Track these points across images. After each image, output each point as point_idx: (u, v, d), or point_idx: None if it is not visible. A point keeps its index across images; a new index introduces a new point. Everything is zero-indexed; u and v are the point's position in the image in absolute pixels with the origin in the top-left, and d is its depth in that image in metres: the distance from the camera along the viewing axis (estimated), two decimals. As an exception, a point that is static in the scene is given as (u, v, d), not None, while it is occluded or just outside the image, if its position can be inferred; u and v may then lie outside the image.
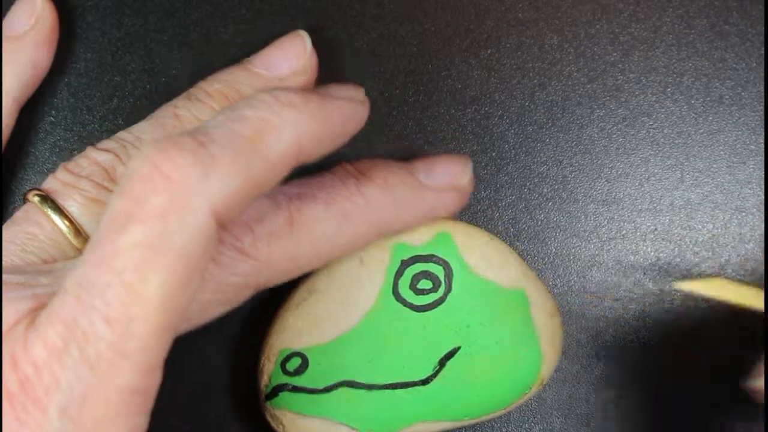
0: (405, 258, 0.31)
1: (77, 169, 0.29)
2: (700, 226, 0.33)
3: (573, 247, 0.33)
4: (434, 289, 0.31)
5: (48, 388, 0.22)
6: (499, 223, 0.33)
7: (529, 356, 0.31)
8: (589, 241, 0.33)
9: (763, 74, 0.33)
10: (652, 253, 0.33)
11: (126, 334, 0.21)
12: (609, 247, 0.33)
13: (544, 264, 0.33)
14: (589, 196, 0.33)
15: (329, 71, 0.33)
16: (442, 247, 0.31)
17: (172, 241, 0.21)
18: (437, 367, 0.31)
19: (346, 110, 0.26)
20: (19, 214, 0.29)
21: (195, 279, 0.22)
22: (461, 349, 0.31)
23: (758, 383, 0.27)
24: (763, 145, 0.33)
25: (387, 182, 0.29)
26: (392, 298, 0.31)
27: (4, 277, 0.24)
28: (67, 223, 0.28)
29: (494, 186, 0.33)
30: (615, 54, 0.33)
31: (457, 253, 0.31)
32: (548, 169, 0.33)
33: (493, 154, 0.33)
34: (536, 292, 0.31)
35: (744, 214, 0.33)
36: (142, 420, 0.22)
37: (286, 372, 0.31)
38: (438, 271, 0.31)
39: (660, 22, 0.33)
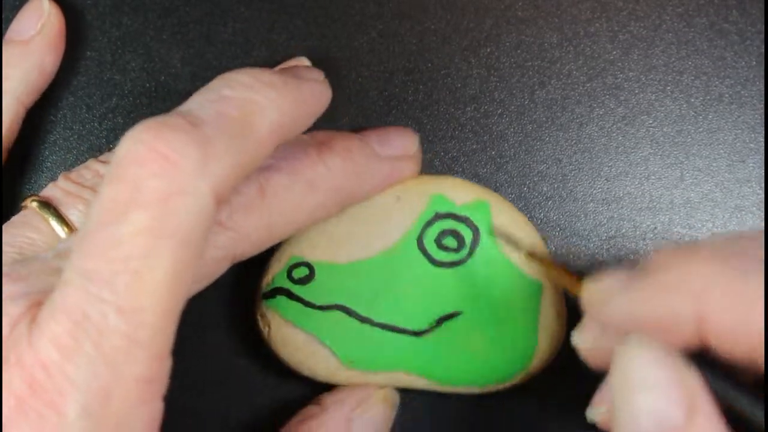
0: (440, 211, 0.31)
1: (80, 179, 0.29)
2: (699, 225, 0.33)
3: (573, 246, 0.33)
4: (457, 250, 0.31)
5: (62, 389, 0.21)
6: (499, 221, 0.33)
7: (524, 345, 0.31)
8: (588, 239, 0.33)
9: (762, 72, 0.33)
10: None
11: (138, 323, 0.21)
12: (609, 246, 0.33)
13: (544, 263, 0.33)
14: (589, 195, 0.33)
15: (329, 70, 0.33)
16: (477, 214, 0.31)
17: (176, 225, 0.21)
18: (434, 324, 0.31)
19: (316, 90, 0.27)
20: (17, 219, 0.28)
21: (196, 260, 0.22)
22: (462, 315, 0.31)
23: (596, 414, 0.27)
24: (762, 144, 0.33)
25: (347, 151, 0.30)
26: (414, 244, 0.31)
27: None
28: (66, 230, 0.28)
29: (494, 184, 0.33)
30: (614, 52, 0.33)
31: (489, 224, 0.31)
32: (548, 168, 0.33)
33: (493, 152, 0.33)
34: (553, 290, 0.31)
35: (744, 212, 0.33)
36: (159, 405, 0.22)
37: (290, 278, 0.31)
38: (467, 234, 0.31)
39: (659, 20, 0.33)
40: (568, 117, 0.33)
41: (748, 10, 0.33)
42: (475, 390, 0.31)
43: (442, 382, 0.31)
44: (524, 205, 0.33)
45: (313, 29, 0.33)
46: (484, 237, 0.31)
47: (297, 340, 0.31)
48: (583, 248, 0.33)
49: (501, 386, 0.31)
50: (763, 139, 0.33)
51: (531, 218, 0.33)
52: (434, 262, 0.31)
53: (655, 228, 0.33)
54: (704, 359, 0.23)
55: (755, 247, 0.23)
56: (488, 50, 0.34)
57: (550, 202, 0.33)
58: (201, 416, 0.33)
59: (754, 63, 0.33)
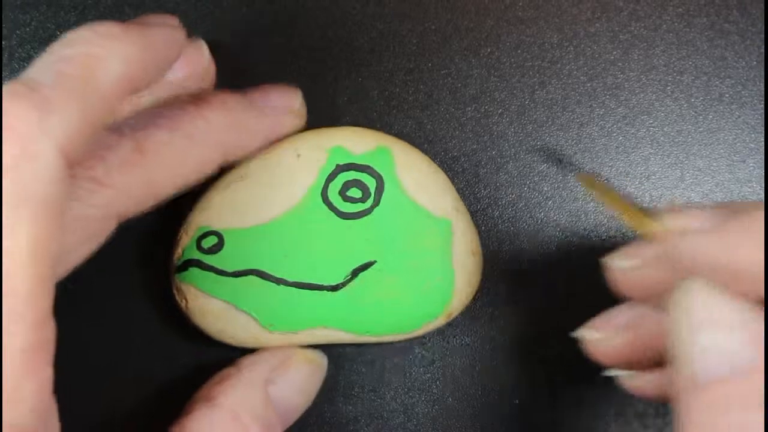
0: (341, 163, 0.31)
1: None
2: (700, 225, 0.33)
3: (573, 246, 0.33)
4: (362, 200, 0.31)
5: None
6: (499, 221, 0.33)
7: (440, 287, 0.31)
8: (589, 239, 0.33)
9: (763, 72, 0.33)
10: (652, 252, 0.33)
11: (8, 292, 0.21)
12: (609, 246, 0.33)
13: (544, 263, 0.33)
14: (589, 195, 0.33)
15: (329, 70, 0.33)
16: (379, 161, 0.31)
17: (29, 191, 0.21)
18: (349, 277, 0.31)
19: (165, 35, 0.27)
20: None
21: (59, 223, 0.22)
22: (376, 264, 0.31)
23: (589, 335, 0.27)
24: (763, 144, 0.33)
25: (226, 105, 0.30)
26: (320, 198, 0.31)
27: None
28: None
29: (494, 184, 0.33)
30: (615, 52, 0.34)
31: (393, 169, 0.31)
32: (548, 168, 0.33)
33: (493, 152, 0.33)
34: (463, 228, 0.31)
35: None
36: (49, 371, 0.22)
37: (200, 248, 0.31)
38: (370, 182, 0.31)
39: (660, 20, 0.34)
40: (569, 117, 0.33)
41: (748, 10, 0.33)
42: (401, 336, 0.32)
43: (365, 333, 0.31)
44: (524, 204, 0.33)
45: (313, 29, 0.33)
46: (388, 183, 0.31)
47: (214, 309, 0.31)
48: (584, 248, 0.33)
49: (426, 330, 0.32)
50: (763, 139, 0.33)
51: (531, 218, 0.33)
52: (341, 214, 0.31)
53: (656, 228, 0.33)
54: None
55: None
56: (488, 50, 0.34)
57: (551, 202, 0.33)
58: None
59: (755, 63, 0.33)
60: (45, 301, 0.22)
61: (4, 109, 0.22)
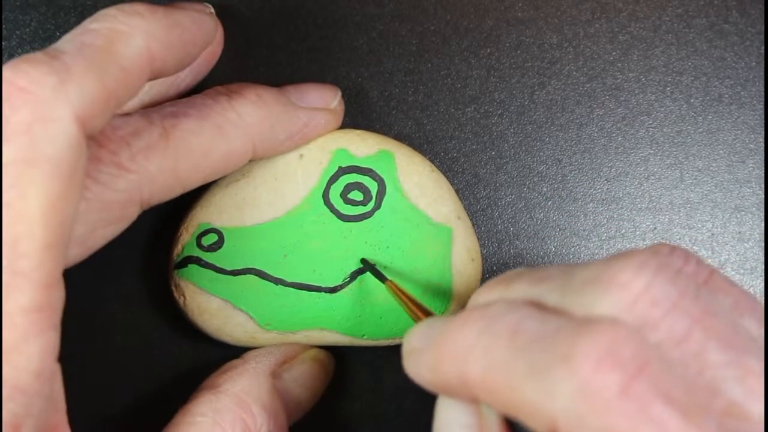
0: (343, 165, 0.31)
1: None
2: (699, 225, 0.33)
3: (572, 246, 0.33)
4: (363, 203, 0.31)
5: None
6: (499, 222, 0.33)
7: (439, 292, 0.31)
8: (588, 240, 0.33)
9: (762, 73, 0.33)
10: (652, 252, 0.33)
11: (16, 253, 0.21)
12: (608, 246, 0.33)
13: (544, 263, 0.33)
14: (589, 195, 0.33)
15: (329, 70, 0.33)
16: (381, 165, 0.31)
17: (42, 153, 0.21)
18: (347, 279, 0.31)
19: (194, 18, 0.27)
20: None
21: (73, 191, 0.22)
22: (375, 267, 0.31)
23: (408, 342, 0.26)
24: (762, 144, 0.33)
25: (260, 98, 0.30)
26: (321, 200, 0.31)
27: None
28: None
29: (494, 185, 0.33)
30: (614, 53, 0.34)
31: (394, 174, 0.31)
32: (548, 168, 0.33)
33: (493, 153, 0.33)
34: (463, 234, 0.32)
35: (743, 213, 0.33)
36: (53, 335, 0.22)
37: (200, 246, 0.31)
38: (372, 186, 0.31)
39: (659, 21, 0.34)
40: (568, 117, 0.34)
41: (748, 10, 0.33)
42: (398, 341, 0.32)
43: (362, 336, 0.31)
44: (524, 205, 0.33)
45: (313, 29, 0.33)
46: (390, 188, 0.31)
47: (212, 306, 0.31)
48: (583, 248, 0.33)
49: None
50: (762, 140, 0.33)
51: (531, 218, 0.33)
52: (342, 217, 0.31)
53: (655, 228, 0.33)
54: None
55: (506, 310, 0.23)
56: (488, 51, 0.34)
57: (550, 202, 0.33)
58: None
59: (754, 64, 0.33)
60: (54, 263, 0.22)
61: (22, 72, 0.22)
